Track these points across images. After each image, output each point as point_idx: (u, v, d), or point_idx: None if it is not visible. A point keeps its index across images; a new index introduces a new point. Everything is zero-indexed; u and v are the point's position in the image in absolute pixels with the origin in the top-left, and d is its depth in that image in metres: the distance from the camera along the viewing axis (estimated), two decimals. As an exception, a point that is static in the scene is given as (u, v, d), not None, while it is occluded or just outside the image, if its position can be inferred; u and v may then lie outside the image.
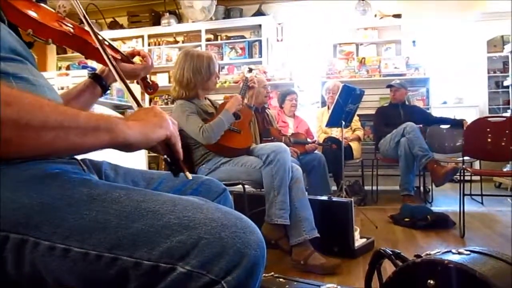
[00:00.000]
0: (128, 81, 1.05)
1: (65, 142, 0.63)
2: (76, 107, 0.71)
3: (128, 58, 1.22)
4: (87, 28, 1.01)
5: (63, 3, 1.00)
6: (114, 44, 1.20)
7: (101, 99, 1.25)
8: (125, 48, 6.46)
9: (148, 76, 1.29)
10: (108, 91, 1.27)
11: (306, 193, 2.34)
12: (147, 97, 5.47)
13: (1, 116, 0.55)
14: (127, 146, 0.72)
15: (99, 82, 1.20)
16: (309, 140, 3.85)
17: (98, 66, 1.24)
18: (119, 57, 1.18)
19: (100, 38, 1.01)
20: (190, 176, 0.88)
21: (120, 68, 1.01)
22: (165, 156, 0.84)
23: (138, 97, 0.96)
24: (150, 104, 5.74)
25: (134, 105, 0.91)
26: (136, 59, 1.26)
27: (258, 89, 3.33)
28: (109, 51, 1.06)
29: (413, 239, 2.89)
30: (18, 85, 0.77)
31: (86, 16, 0.99)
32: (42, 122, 0.60)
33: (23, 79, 0.81)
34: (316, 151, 3.75)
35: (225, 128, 2.35)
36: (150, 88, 1.29)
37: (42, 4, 0.97)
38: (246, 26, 6.23)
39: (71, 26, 1.00)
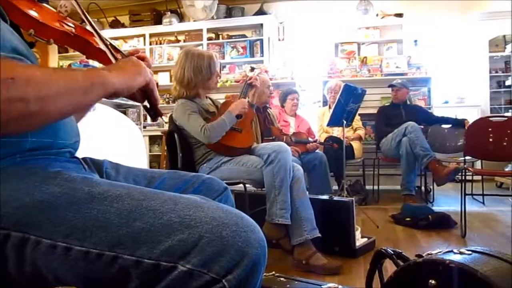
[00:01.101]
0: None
1: (74, 103, 0.68)
2: (66, 69, 0.75)
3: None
4: (88, 27, 1.01)
5: (64, 2, 1.00)
6: (115, 43, 1.20)
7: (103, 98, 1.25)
8: (126, 47, 6.46)
9: None
10: None
11: (307, 192, 2.34)
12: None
13: (26, 94, 0.59)
14: (114, 95, 0.77)
15: None
16: (310, 139, 3.85)
17: (99, 66, 1.24)
18: (120, 57, 1.18)
19: (105, 39, 1.01)
20: (166, 119, 0.97)
21: None
22: (145, 103, 0.91)
23: None
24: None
25: (113, 59, 0.95)
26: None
27: (262, 89, 3.33)
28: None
29: (414, 238, 2.89)
30: None
31: (87, 16, 0.99)
32: (55, 91, 0.64)
33: None
34: (317, 150, 3.74)
35: (227, 129, 2.35)
36: None
37: (44, 4, 0.97)
38: (248, 25, 6.22)
39: (72, 26, 1.00)
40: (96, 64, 3.76)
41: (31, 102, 0.60)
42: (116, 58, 0.97)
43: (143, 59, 1.24)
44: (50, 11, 0.98)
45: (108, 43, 1.02)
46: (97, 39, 1.00)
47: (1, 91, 0.56)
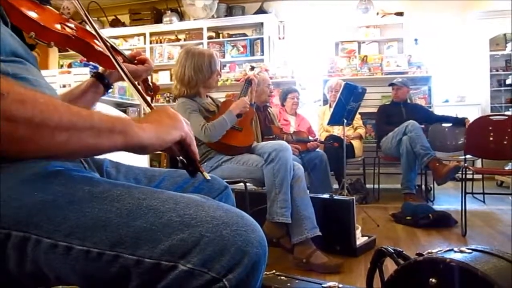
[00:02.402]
0: (136, 82, 1.04)
1: (78, 143, 0.63)
2: (81, 107, 0.71)
3: (130, 60, 1.22)
4: (89, 29, 1.01)
5: (67, 4, 0.99)
6: (116, 42, 1.19)
7: (103, 97, 1.25)
8: (126, 46, 6.47)
9: (149, 77, 1.29)
10: (111, 90, 1.27)
11: (308, 191, 2.34)
12: (147, 98, 5.47)
13: (15, 114, 0.55)
14: (141, 149, 0.71)
15: (102, 81, 1.20)
16: (310, 138, 3.85)
17: (100, 68, 1.23)
18: (121, 60, 1.17)
19: (106, 40, 1.01)
20: (208, 176, 0.88)
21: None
22: (181, 157, 0.84)
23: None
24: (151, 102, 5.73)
25: (145, 105, 0.90)
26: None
27: (262, 88, 3.33)
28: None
29: (415, 237, 2.89)
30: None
31: (89, 18, 0.98)
32: (56, 122, 0.59)
33: (22, 79, 0.81)
34: (317, 149, 3.74)
35: (227, 128, 2.35)
36: (150, 90, 1.29)
37: (46, 6, 0.97)
38: (248, 24, 6.22)
39: (74, 28, 1.00)
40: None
41: (20, 124, 0.55)
42: (117, 61, 0.96)
43: (144, 61, 1.24)
44: (52, 13, 0.98)
45: (110, 45, 1.01)
46: (99, 42, 1.00)
47: None
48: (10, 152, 0.58)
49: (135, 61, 1.23)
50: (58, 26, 0.95)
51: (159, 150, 0.77)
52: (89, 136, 0.63)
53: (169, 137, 0.76)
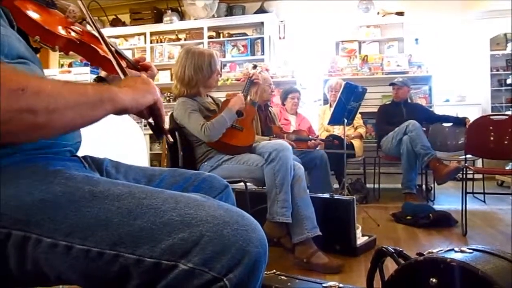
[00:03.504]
0: None
1: (81, 118, 0.68)
2: (75, 83, 0.74)
3: (134, 65, 1.22)
4: (93, 32, 1.00)
5: (73, 8, 0.99)
6: (116, 42, 1.19)
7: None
8: (127, 45, 6.47)
9: None
10: None
11: (308, 191, 2.34)
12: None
13: (34, 105, 0.59)
14: (123, 111, 0.77)
15: None
16: (311, 137, 3.85)
17: (102, 72, 1.23)
18: (125, 65, 1.17)
19: (110, 44, 1.01)
20: (171, 138, 0.99)
21: None
22: (150, 120, 0.91)
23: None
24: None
25: (121, 74, 0.95)
26: None
27: (263, 87, 3.33)
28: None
29: (415, 237, 2.89)
30: None
31: (95, 22, 0.98)
32: (64, 104, 0.64)
33: None
34: (318, 149, 3.74)
35: (227, 126, 2.35)
36: None
37: (53, 9, 0.96)
38: (248, 24, 6.22)
39: (79, 32, 1.00)
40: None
41: (39, 114, 0.60)
42: (121, 66, 0.96)
43: (148, 68, 1.24)
44: (58, 16, 0.98)
45: (114, 50, 1.01)
46: (103, 46, 0.99)
47: (12, 101, 0.56)
48: (31, 138, 0.65)
49: (139, 66, 1.23)
50: (63, 30, 0.95)
51: (135, 112, 0.83)
52: (87, 109, 0.68)
53: (144, 100, 0.82)
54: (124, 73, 0.96)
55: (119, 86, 0.79)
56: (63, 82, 0.68)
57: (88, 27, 1.02)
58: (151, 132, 0.99)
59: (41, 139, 0.72)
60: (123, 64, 1.06)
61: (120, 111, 0.76)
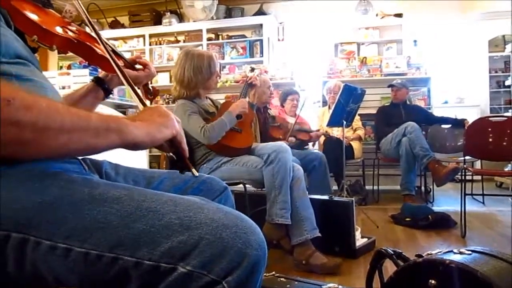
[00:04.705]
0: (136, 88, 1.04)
1: (79, 143, 0.65)
2: (78, 109, 0.72)
3: (131, 64, 1.22)
4: (90, 31, 1.01)
5: (69, 8, 1.00)
6: (115, 44, 1.19)
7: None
8: (126, 47, 6.47)
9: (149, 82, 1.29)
10: (111, 95, 1.27)
11: (307, 192, 2.34)
12: (147, 103, 5.48)
13: (21, 119, 0.57)
14: (134, 146, 0.74)
15: (102, 86, 1.20)
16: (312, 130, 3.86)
17: (100, 72, 1.23)
18: (123, 64, 1.17)
19: (106, 43, 1.01)
20: (196, 173, 0.92)
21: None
22: (171, 154, 0.87)
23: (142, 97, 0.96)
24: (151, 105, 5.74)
25: (139, 105, 0.92)
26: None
27: (262, 89, 3.33)
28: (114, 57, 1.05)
29: (414, 238, 2.89)
30: (20, 85, 0.78)
31: (91, 22, 0.98)
32: (59, 125, 0.61)
33: (28, 80, 0.81)
34: (316, 151, 3.74)
35: (227, 129, 2.35)
36: (150, 94, 1.29)
37: (49, 9, 0.97)
38: (247, 26, 6.22)
39: (76, 32, 1.00)
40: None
41: (26, 129, 0.58)
42: (118, 66, 0.96)
43: (145, 65, 1.24)
44: (54, 16, 0.98)
45: (111, 49, 1.01)
46: (100, 45, 1.00)
47: None
48: (15, 154, 0.61)
49: (136, 65, 1.23)
50: (60, 30, 0.95)
51: (150, 147, 0.80)
52: (88, 136, 0.66)
53: (160, 135, 0.78)
54: (122, 72, 0.96)
55: (132, 119, 0.76)
56: (63, 104, 0.65)
57: (86, 27, 1.03)
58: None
59: (33, 159, 0.68)
60: (121, 63, 1.06)
61: (131, 145, 0.73)
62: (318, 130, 3.89)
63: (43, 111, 0.60)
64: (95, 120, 0.67)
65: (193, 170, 0.90)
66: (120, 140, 0.70)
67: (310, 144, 4.55)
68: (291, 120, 4.22)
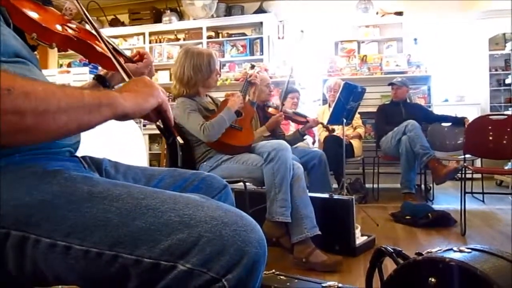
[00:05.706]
0: None
1: (76, 122, 0.66)
2: (71, 88, 0.73)
3: (131, 60, 1.22)
4: (90, 29, 1.00)
5: (69, 6, 0.99)
6: (115, 42, 1.19)
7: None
8: (126, 45, 6.46)
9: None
10: None
11: (307, 190, 2.34)
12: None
13: (21, 107, 0.57)
14: (124, 117, 0.75)
15: (103, 84, 1.20)
16: (309, 134, 3.84)
17: (100, 69, 1.23)
18: (123, 60, 1.17)
19: (107, 41, 1.00)
20: (181, 140, 0.97)
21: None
22: (158, 123, 0.89)
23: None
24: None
25: (125, 77, 0.94)
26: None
27: (261, 87, 3.32)
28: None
29: (414, 237, 2.89)
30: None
31: (91, 20, 0.98)
32: (56, 107, 0.62)
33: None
34: (316, 149, 3.74)
35: (226, 126, 2.35)
36: None
37: (49, 7, 0.96)
38: (247, 24, 6.21)
39: (76, 29, 1.00)
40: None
41: (27, 116, 0.58)
42: (119, 63, 0.96)
43: (143, 55, 1.24)
44: (54, 14, 0.97)
45: (111, 46, 1.01)
46: (100, 43, 0.99)
47: None
48: (17, 141, 0.62)
49: (135, 59, 1.23)
50: (60, 27, 0.95)
51: (138, 117, 0.82)
52: (83, 114, 0.67)
53: (147, 105, 0.79)
54: (123, 69, 0.96)
55: (119, 91, 0.77)
56: (57, 85, 0.66)
57: (86, 25, 1.03)
58: (150, 132, 0.98)
59: (33, 143, 0.70)
60: (122, 60, 1.06)
61: (121, 117, 0.74)
62: (315, 119, 3.87)
63: (41, 95, 0.60)
64: (88, 98, 0.68)
65: (178, 138, 0.95)
66: (111, 113, 0.71)
67: (310, 142, 4.56)
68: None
